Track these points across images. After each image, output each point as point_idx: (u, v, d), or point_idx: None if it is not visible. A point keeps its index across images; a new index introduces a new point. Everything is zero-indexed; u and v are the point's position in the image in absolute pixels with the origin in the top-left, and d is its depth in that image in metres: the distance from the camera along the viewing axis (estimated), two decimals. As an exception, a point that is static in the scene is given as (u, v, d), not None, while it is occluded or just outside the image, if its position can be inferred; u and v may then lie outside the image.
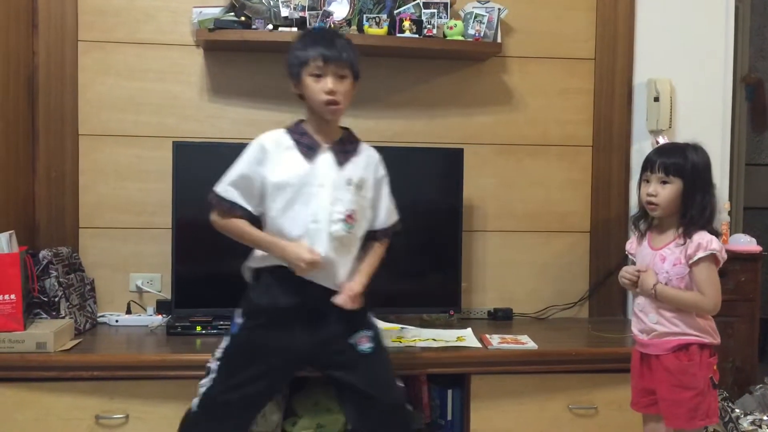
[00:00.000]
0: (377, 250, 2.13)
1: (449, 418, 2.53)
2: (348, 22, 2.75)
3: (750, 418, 2.55)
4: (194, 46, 2.84)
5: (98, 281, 2.83)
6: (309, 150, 2.00)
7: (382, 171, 2.13)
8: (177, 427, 2.07)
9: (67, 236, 2.80)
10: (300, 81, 2.00)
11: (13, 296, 2.30)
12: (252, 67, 2.87)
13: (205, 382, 2.01)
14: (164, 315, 2.76)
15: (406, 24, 2.72)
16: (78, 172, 2.82)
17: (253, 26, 2.68)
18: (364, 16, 2.73)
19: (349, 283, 2.00)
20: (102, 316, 2.79)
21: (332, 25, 2.68)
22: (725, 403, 2.59)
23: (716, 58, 3.07)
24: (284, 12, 2.68)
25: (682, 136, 3.03)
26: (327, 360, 2.04)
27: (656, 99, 2.96)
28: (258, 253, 2.04)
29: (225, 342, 2.04)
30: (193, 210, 2.68)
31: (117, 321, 2.75)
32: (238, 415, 2.02)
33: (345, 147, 2.05)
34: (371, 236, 2.12)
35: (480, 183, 2.96)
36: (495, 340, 2.54)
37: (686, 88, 3.03)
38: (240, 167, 2.01)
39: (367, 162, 2.08)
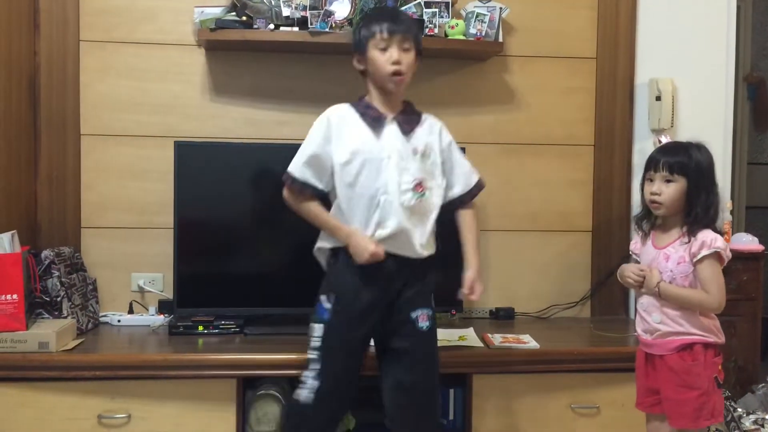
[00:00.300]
0: (468, 220, 2.22)
1: (451, 417, 2.53)
2: (349, 21, 2.75)
3: (752, 417, 2.55)
4: (196, 46, 2.84)
5: (100, 281, 2.83)
6: (375, 122, 2.06)
7: (447, 137, 2.18)
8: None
9: (69, 236, 2.80)
10: (365, 55, 2.06)
11: (15, 296, 2.30)
12: (254, 66, 2.87)
13: (311, 374, 2.05)
14: (166, 315, 2.76)
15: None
16: (80, 171, 2.82)
17: (255, 26, 2.68)
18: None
19: (467, 275, 2.12)
20: (104, 315, 2.79)
21: (333, 25, 2.68)
22: (728, 403, 2.59)
23: (718, 57, 3.07)
24: (286, 11, 2.68)
25: (683, 136, 3.01)
26: (390, 327, 2.08)
27: (658, 98, 2.96)
28: (326, 234, 2.10)
29: (318, 330, 2.06)
30: (195, 209, 2.69)
31: (119, 321, 2.76)
32: (347, 394, 2.09)
33: (409, 117, 2.11)
34: (458, 205, 2.19)
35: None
36: (497, 340, 2.54)
37: (688, 87, 3.02)
38: (309, 146, 2.07)
39: (430, 130, 2.13)
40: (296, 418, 2.09)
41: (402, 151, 2.05)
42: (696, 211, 2.02)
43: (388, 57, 2.03)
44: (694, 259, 2.01)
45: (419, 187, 2.05)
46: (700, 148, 2.09)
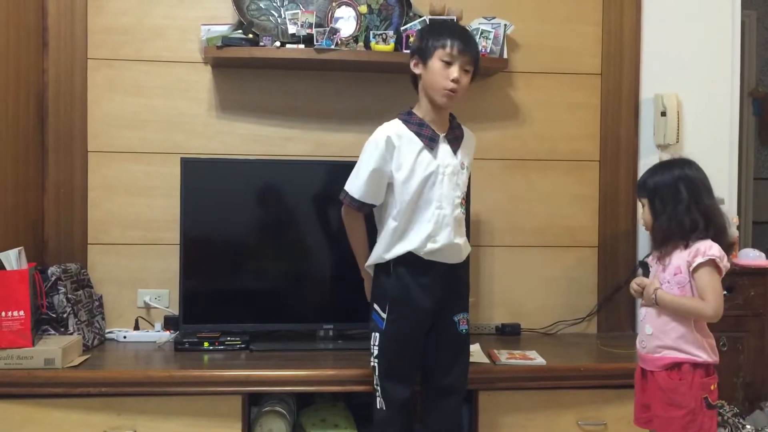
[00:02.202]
0: None
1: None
2: (355, 38, 2.77)
3: (761, 434, 2.53)
4: (202, 63, 2.86)
5: (106, 297, 2.84)
6: (431, 141, 2.13)
7: (473, 149, 2.31)
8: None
9: (76, 252, 2.81)
10: (426, 63, 2.11)
11: (21, 312, 2.30)
12: (260, 83, 2.89)
13: (378, 381, 2.15)
14: (172, 331, 2.76)
15: (413, 40, 2.73)
16: (87, 188, 2.83)
17: (261, 43, 2.70)
18: (371, 32, 2.75)
19: None
20: (110, 332, 2.79)
21: (338, 42, 2.69)
22: (736, 419, 2.57)
23: (723, 73, 3.07)
24: (291, 29, 2.70)
25: (689, 151, 3.01)
26: (435, 330, 2.17)
27: (663, 114, 2.96)
28: (380, 248, 2.17)
29: (376, 339, 2.16)
30: (201, 226, 2.69)
31: (125, 337, 2.76)
32: (411, 393, 2.19)
33: (456, 134, 2.21)
34: None
35: (487, 198, 2.96)
36: (503, 356, 2.53)
37: (693, 102, 3.02)
38: (369, 164, 2.14)
39: (470, 145, 2.26)
40: (380, 425, 2.18)
41: (454, 166, 2.15)
42: (660, 226, 2.06)
43: (449, 73, 2.09)
44: (690, 268, 2.01)
45: (464, 200, 2.20)
46: (669, 165, 2.13)
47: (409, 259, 2.12)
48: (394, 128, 2.15)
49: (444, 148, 2.16)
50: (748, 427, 2.55)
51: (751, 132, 4.69)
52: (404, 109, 2.23)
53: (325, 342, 2.72)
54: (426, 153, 2.13)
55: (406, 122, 2.16)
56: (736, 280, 2.79)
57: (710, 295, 1.97)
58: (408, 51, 2.72)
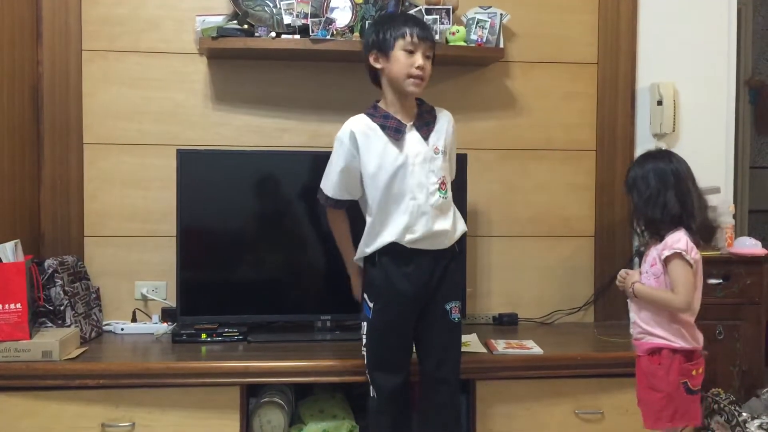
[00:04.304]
0: None
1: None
2: (350, 29, 2.76)
3: (757, 422, 2.54)
4: (198, 55, 2.85)
5: (103, 289, 2.83)
6: (397, 132, 2.13)
7: (452, 128, 2.26)
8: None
9: (73, 245, 2.81)
10: (388, 54, 2.12)
11: (18, 305, 2.30)
12: (255, 74, 2.88)
13: (368, 371, 2.18)
14: (169, 323, 2.76)
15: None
16: (83, 180, 2.83)
17: (256, 34, 2.69)
18: (367, 22, 2.74)
19: None
20: (107, 324, 2.79)
21: (334, 32, 2.69)
22: (732, 407, 2.58)
23: (719, 61, 3.07)
24: (287, 19, 2.69)
25: (685, 140, 3.05)
26: (427, 319, 2.18)
27: (659, 103, 2.96)
28: (362, 243, 2.18)
29: (364, 328, 2.18)
30: (197, 217, 2.69)
31: (122, 329, 2.76)
32: (405, 379, 2.19)
33: (425, 120, 2.19)
34: None
35: (484, 188, 2.96)
36: (500, 346, 2.54)
37: (689, 91, 3.02)
38: (338, 162, 2.16)
39: (446, 127, 2.22)
40: (373, 415, 2.21)
41: (425, 153, 2.14)
42: (638, 218, 2.14)
43: (413, 61, 2.10)
44: (662, 260, 2.07)
45: (443, 185, 2.15)
46: (642, 159, 2.19)
47: (393, 248, 2.12)
48: (359, 123, 2.15)
49: (413, 136, 2.15)
50: (744, 414, 2.57)
51: (747, 121, 4.69)
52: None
53: (323, 333, 2.72)
54: (392, 146, 2.12)
55: (371, 116, 2.16)
56: (732, 268, 2.80)
57: (679, 288, 2.03)
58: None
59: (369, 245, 2.16)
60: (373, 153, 2.12)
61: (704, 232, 2.11)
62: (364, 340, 2.18)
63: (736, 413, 2.57)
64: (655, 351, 2.09)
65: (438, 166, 2.15)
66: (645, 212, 2.11)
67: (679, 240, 2.04)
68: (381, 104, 2.19)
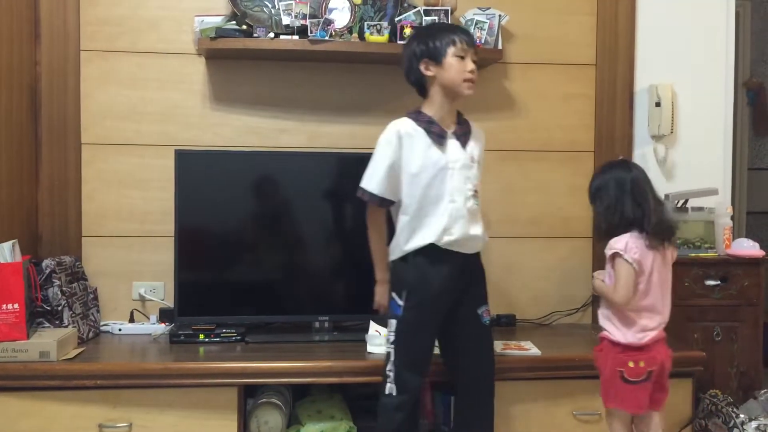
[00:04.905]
0: None
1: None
2: (349, 29, 2.76)
3: (755, 423, 2.54)
4: (196, 55, 2.85)
5: (101, 290, 2.83)
6: (440, 138, 2.21)
7: (484, 143, 2.38)
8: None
9: (70, 245, 2.81)
10: (440, 62, 2.20)
11: (16, 305, 2.30)
12: (254, 74, 2.88)
13: (392, 367, 2.18)
14: (167, 323, 2.76)
15: (407, 31, 2.72)
16: (81, 180, 2.82)
17: (255, 34, 2.69)
18: (365, 23, 2.74)
19: None
20: (105, 324, 2.79)
21: (333, 33, 2.69)
22: (730, 408, 2.58)
23: (717, 63, 3.07)
24: (285, 20, 2.69)
25: (683, 141, 3.05)
26: (457, 322, 2.24)
27: (658, 104, 2.97)
28: (401, 239, 2.22)
29: (393, 325, 2.20)
30: (195, 218, 2.69)
31: (120, 329, 2.76)
32: (423, 380, 2.24)
33: (464, 129, 2.29)
34: None
35: (482, 189, 2.94)
36: (498, 347, 2.53)
37: (687, 93, 3.03)
38: (384, 160, 2.21)
39: (479, 139, 2.33)
40: (387, 410, 2.19)
41: (463, 160, 2.23)
42: (599, 225, 2.30)
43: (465, 65, 2.21)
44: (607, 259, 2.26)
45: (477, 193, 2.26)
46: (601, 170, 2.35)
47: (428, 249, 2.18)
48: (405, 124, 2.23)
49: (453, 143, 2.23)
50: (741, 416, 2.56)
51: (745, 122, 4.70)
52: (406, 106, 2.28)
53: (321, 334, 2.72)
54: (435, 149, 2.20)
55: (415, 120, 2.23)
56: (730, 270, 2.80)
57: (618, 284, 2.21)
58: (402, 42, 2.73)
59: (407, 243, 2.20)
60: (416, 153, 2.19)
61: (665, 232, 2.23)
62: (392, 338, 2.19)
63: (734, 415, 2.57)
64: (602, 340, 2.29)
65: (473, 174, 2.25)
66: (605, 218, 2.26)
67: (618, 241, 2.21)
68: (425, 110, 2.26)
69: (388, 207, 2.27)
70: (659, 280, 2.23)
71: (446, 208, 2.18)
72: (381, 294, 2.34)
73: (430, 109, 2.25)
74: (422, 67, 2.23)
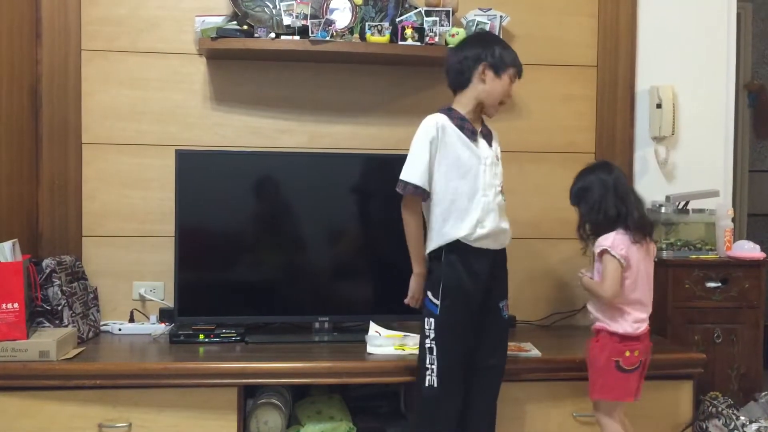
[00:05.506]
0: None
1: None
2: (350, 30, 2.76)
3: (755, 425, 2.53)
4: (197, 55, 2.85)
5: (101, 289, 2.83)
6: (472, 134, 2.27)
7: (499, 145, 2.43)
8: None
9: (71, 244, 2.81)
10: (499, 74, 2.26)
11: (16, 305, 2.30)
12: (254, 75, 2.88)
13: (434, 360, 2.21)
14: (167, 323, 2.76)
15: (408, 32, 2.72)
16: (81, 180, 2.83)
17: (256, 35, 2.69)
18: (366, 24, 2.74)
19: None
20: (105, 324, 2.79)
21: (334, 33, 2.69)
22: (730, 411, 2.58)
23: (718, 65, 3.07)
24: (287, 20, 2.69)
25: (684, 143, 3.05)
26: (481, 314, 2.26)
27: (659, 106, 2.97)
28: (433, 235, 2.25)
29: (431, 323, 2.22)
30: (196, 218, 2.69)
31: (120, 329, 2.76)
32: (463, 373, 2.25)
33: (487, 130, 2.36)
34: None
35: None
36: (498, 348, 2.53)
37: (688, 94, 3.03)
38: (424, 153, 2.24)
39: (497, 139, 2.39)
40: (430, 402, 2.21)
41: (491, 158, 2.29)
42: (583, 225, 2.38)
43: (509, 90, 2.29)
44: (595, 256, 2.33)
45: (502, 189, 2.32)
46: (583, 172, 2.41)
47: (460, 246, 2.21)
48: (441, 118, 2.26)
49: (482, 141, 2.29)
50: (742, 418, 2.56)
51: (746, 124, 4.69)
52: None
53: (321, 334, 2.72)
54: (469, 144, 2.24)
55: (448, 116, 2.26)
56: (730, 272, 2.80)
57: (605, 279, 2.28)
58: (403, 43, 2.73)
59: (441, 235, 2.22)
60: (451, 147, 2.23)
61: (646, 227, 2.32)
62: (432, 335, 2.21)
63: (734, 417, 2.57)
64: (598, 332, 2.32)
65: (499, 171, 2.32)
66: (590, 218, 2.34)
67: (606, 238, 2.28)
68: (457, 107, 2.29)
69: (425, 199, 2.27)
70: (645, 273, 2.30)
71: (479, 201, 2.22)
72: (416, 288, 2.31)
73: (461, 108, 2.29)
74: (480, 69, 2.25)
